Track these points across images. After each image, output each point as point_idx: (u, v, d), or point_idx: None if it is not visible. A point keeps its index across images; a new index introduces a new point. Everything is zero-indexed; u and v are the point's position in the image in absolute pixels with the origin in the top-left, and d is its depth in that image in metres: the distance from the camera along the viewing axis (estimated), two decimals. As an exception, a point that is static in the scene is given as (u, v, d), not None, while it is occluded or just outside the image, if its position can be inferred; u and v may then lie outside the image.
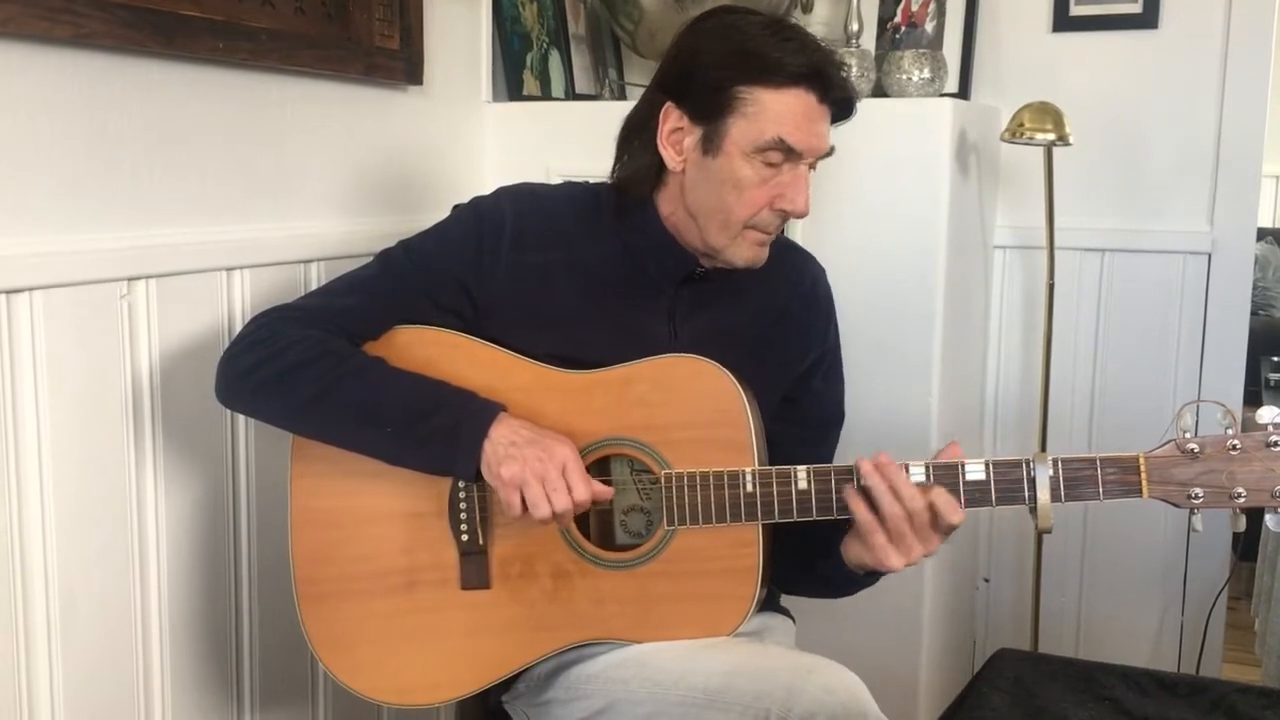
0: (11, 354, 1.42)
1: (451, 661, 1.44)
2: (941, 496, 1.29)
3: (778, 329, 1.53)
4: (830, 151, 1.42)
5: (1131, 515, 2.45)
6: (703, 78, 1.38)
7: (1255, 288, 4.42)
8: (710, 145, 1.39)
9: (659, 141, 1.42)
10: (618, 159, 1.50)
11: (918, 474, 1.32)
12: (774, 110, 1.35)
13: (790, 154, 1.37)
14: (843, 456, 1.57)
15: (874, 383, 2.05)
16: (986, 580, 2.63)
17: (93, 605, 1.55)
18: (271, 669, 1.84)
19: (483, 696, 1.50)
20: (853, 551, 1.37)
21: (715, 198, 1.40)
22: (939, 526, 1.30)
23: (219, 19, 1.64)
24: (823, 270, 1.61)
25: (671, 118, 1.41)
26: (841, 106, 1.41)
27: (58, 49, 1.46)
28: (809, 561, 1.46)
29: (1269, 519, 1.29)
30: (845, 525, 1.37)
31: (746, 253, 1.43)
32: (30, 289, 1.42)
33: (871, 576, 1.42)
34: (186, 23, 1.58)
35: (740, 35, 1.37)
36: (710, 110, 1.38)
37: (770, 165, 1.37)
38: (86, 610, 1.54)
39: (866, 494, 1.31)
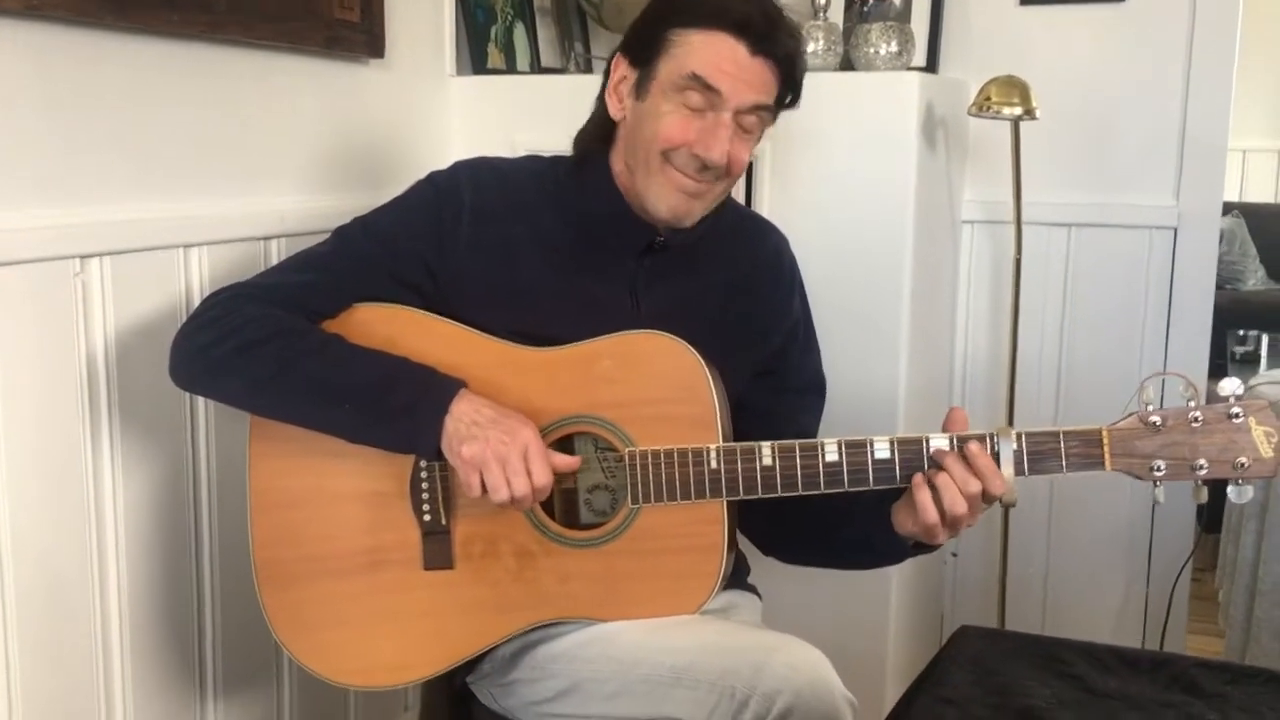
0: (-39, 334, 1.39)
1: (416, 642, 1.43)
2: (989, 466, 1.29)
3: (742, 299, 1.52)
4: (770, 113, 1.41)
5: (1097, 488, 2.47)
6: (647, 24, 1.41)
7: (1221, 262, 4.46)
8: (642, 89, 1.41)
9: (607, 93, 1.45)
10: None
11: (940, 444, 1.31)
12: (699, 50, 1.36)
13: (710, 95, 1.36)
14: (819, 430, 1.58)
15: (842, 356, 2.04)
16: (954, 555, 2.64)
17: (50, 589, 1.52)
18: (235, 652, 1.82)
19: (448, 677, 1.49)
20: (902, 523, 1.37)
21: (639, 136, 1.41)
22: (987, 498, 1.31)
23: (173, -10, 1.60)
24: (785, 240, 1.60)
25: (620, 68, 1.44)
26: (784, 69, 1.39)
27: (8, 20, 1.42)
28: (846, 529, 1.45)
29: (1231, 490, 1.29)
30: (891, 495, 1.38)
31: (669, 197, 1.41)
32: (-21, 267, 1.39)
33: (920, 548, 1.41)
34: (139, -6, 1.55)
35: None
36: (646, 54, 1.40)
37: (691, 108, 1.37)
38: (44, 594, 1.51)
39: (931, 485, 1.31)
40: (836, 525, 1.44)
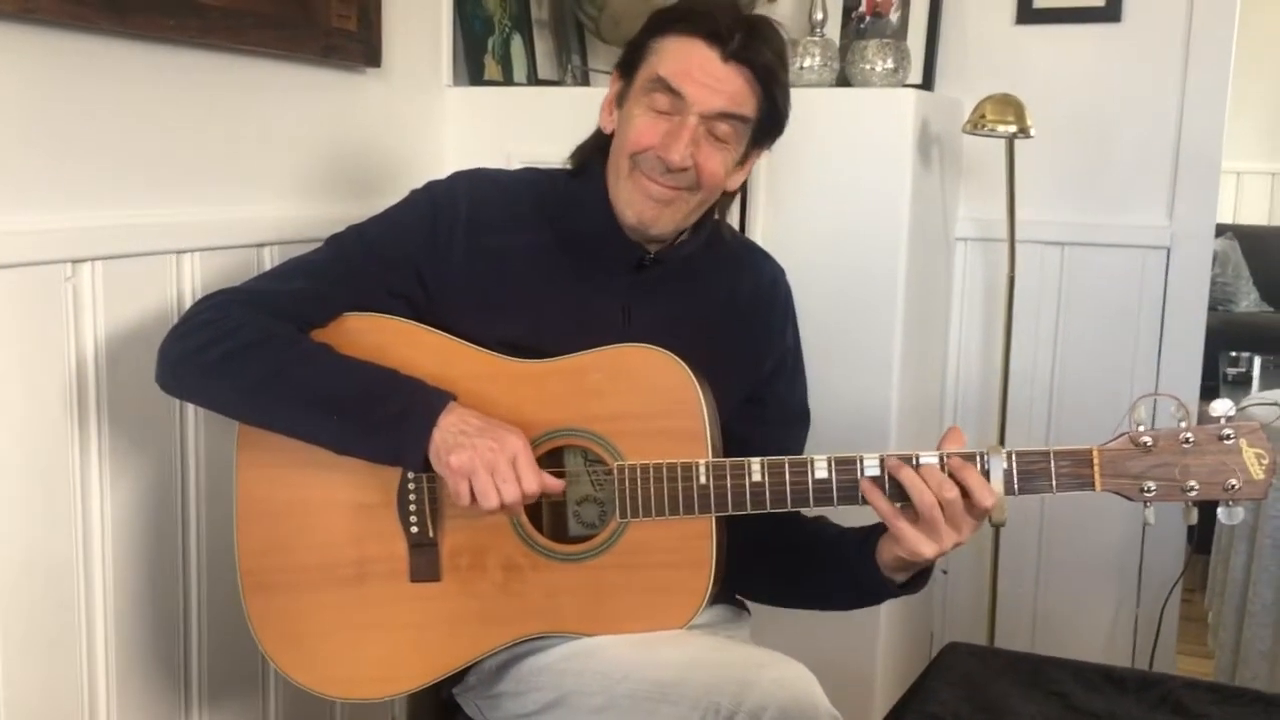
0: (-51, 337, 1.39)
1: (402, 654, 1.42)
2: (974, 478, 1.27)
3: (736, 324, 1.52)
4: (739, 122, 1.39)
5: (1088, 508, 2.47)
6: (635, 37, 1.43)
7: (1214, 283, 4.45)
8: (622, 98, 1.43)
9: (601, 108, 1.46)
10: None
11: (930, 461, 1.30)
12: (668, 54, 1.38)
13: (673, 97, 1.37)
14: (807, 450, 1.57)
15: (834, 374, 2.04)
16: (944, 572, 2.63)
17: (35, 596, 1.51)
18: (221, 662, 1.81)
19: (434, 689, 1.48)
20: (887, 551, 1.36)
21: (616, 144, 1.42)
22: (974, 512, 1.28)
23: (169, -3, 1.60)
24: (782, 271, 1.60)
25: (613, 83, 1.46)
26: (760, 75, 1.37)
27: (4, 24, 1.41)
28: (826, 572, 1.45)
29: (1221, 512, 1.29)
30: (866, 531, 1.38)
31: (635, 201, 1.40)
32: (-31, 270, 1.39)
33: (906, 587, 1.39)
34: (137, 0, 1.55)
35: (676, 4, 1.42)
36: (631, 65, 1.42)
37: (658, 111, 1.38)
38: (28, 601, 1.50)
39: (883, 485, 1.29)
40: (821, 566, 1.44)
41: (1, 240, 1.42)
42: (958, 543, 1.30)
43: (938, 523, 1.28)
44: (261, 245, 1.82)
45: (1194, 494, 1.27)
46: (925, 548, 1.29)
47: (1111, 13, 2.38)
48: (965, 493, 1.28)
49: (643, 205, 1.40)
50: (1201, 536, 3.00)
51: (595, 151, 1.48)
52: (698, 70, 1.36)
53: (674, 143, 1.36)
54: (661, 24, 1.40)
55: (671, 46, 1.38)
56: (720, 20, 1.36)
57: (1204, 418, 1.30)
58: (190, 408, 1.70)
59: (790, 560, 1.49)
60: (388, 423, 1.33)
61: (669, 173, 1.38)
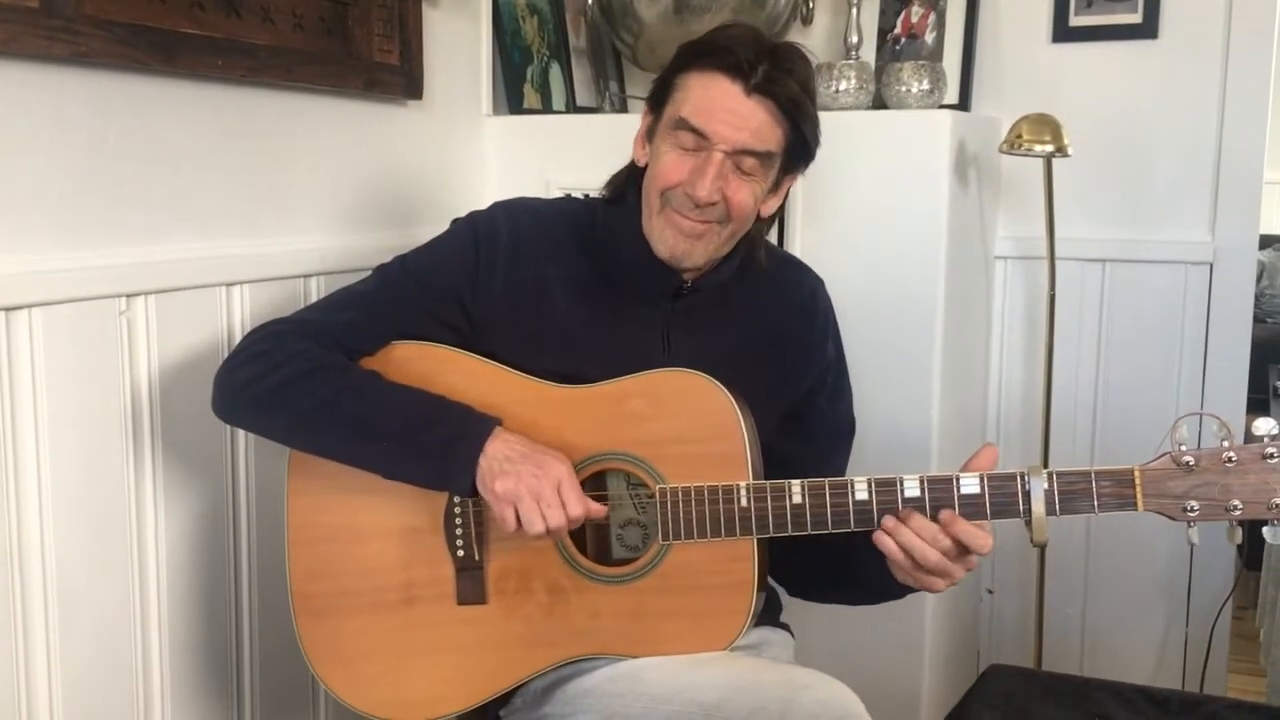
0: (11, 371, 1.43)
1: (449, 676, 1.44)
2: (965, 531, 1.30)
3: (776, 345, 1.53)
4: (764, 158, 1.39)
5: (1134, 525, 2.44)
6: (660, 76, 1.45)
7: (1263, 295, 4.41)
8: (652, 134, 1.44)
9: (634, 141, 1.48)
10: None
11: (970, 485, 1.31)
12: (693, 93, 1.39)
13: (698, 136, 1.38)
14: (849, 468, 1.58)
15: (876, 394, 2.05)
16: (990, 591, 2.62)
17: (93, 620, 1.55)
18: (272, 683, 1.84)
19: (481, 711, 1.50)
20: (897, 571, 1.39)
21: (647, 180, 1.44)
22: (971, 554, 1.31)
23: (218, 36, 1.65)
24: (821, 282, 1.61)
25: (644, 115, 1.47)
26: (785, 108, 1.38)
27: (57, 67, 1.47)
28: (849, 570, 1.46)
29: (1267, 531, 1.28)
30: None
31: (668, 237, 1.42)
32: (29, 306, 1.43)
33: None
34: (185, 40, 1.59)
35: (703, 36, 1.42)
36: (659, 99, 1.44)
37: (684, 148, 1.39)
38: (87, 625, 1.54)
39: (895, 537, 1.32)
40: (853, 569, 1.45)
41: (59, 277, 1.47)
42: (966, 571, 1.34)
43: (947, 568, 1.31)
44: (308, 276, 1.86)
45: (1238, 513, 1.26)
46: (937, 585, 1.34)
47: (1148, 29, 2.37)
48: (958, 543, 1.30)
49: (675, 240, 1.42)
50: (1251, 552, 2.96)
51: (629, 182, 1.50)
52: (720, 108, 1.36)
53: (700, 179, 1.37)
54: (686, 59, 1.41)
55: (695, 84, 1.38)
56: (742, 53, 1.36)
57: (1249, 436, 1.29)
58: (241, 435, 1.74)
59: (819, 559, 1.48)
60: (435, 449, 1.35)
61: (698, 208, 1.39)
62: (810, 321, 1.58)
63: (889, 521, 1.32)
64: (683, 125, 1.38)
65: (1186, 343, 2.41)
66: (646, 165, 1.45)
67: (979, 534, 1.30)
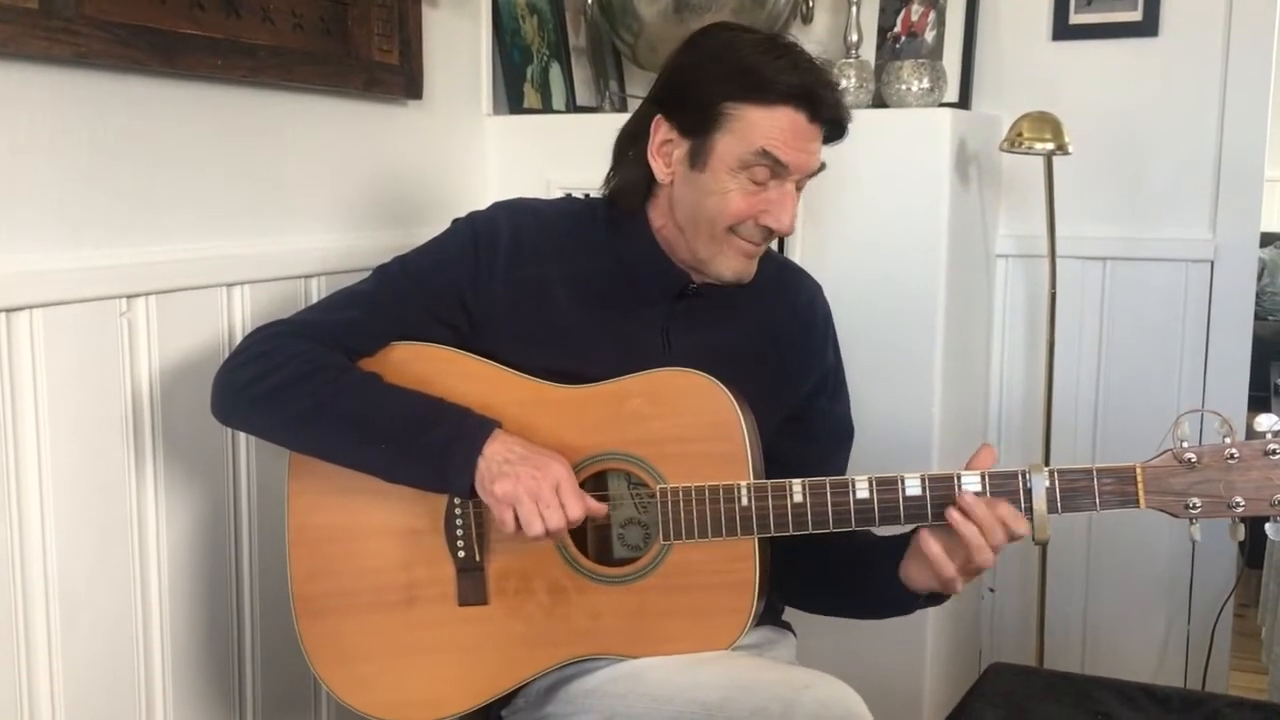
0: (11, 372, 1.43)
1: (451, 677, 1.44)
2: (1007, 511, 1.30)
3: (775, 347, 1.53)
4: (820, 169, 1.43)
5: (1135, 523, 2.44)
6: (694, 93, 1.39)
7: (1265, 293, 4.41)
8: (697, 160, 1.40)
9: (649, 153, 1.44)
10: (611, 170, 1.51)
11: (972, 483, 1.31)
12: (762, 127, 1.36)
13: (777, 168, 1.37)
14: (849, 468, 1.58)
15: (876, 392, 2.05)
16: (991, 590, 2.62)
17: (94, 621, 1.55)
18: (274, 683, 1.84)
19: (483, 711, 1.50)
20: (914, 575, 1.38)
21: (700, 210, 1.41)
22: (1011, 539, 1.31)
23: (218, 36, 1.65)
24: (819, 288, 1.61)
25: (662, 130, 1.43)
26: (833, 127, 1.41)
27: (57, 68, 1.46)
28: (854, 582, 1.47)
29: (1269, 528, 1.28)
30: (894, 547, 1.39)
31: (733, 263, 1.43)
32: (30, 307, 1.43)
33: (932, 599, 1.42)
34: (185, 41, 1.59)
35: (734, 53, 1.38)
36: (699, 125, 1.39)
37: (756, 182, 1.38)
38: (88, 626, 1.54)
39: (925, 512, 1.32)
40: (851, 581, 1.46)
41: (60, 278, 1.47)
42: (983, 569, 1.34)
43: (981, 568, 1.32)
44: (309, 276, 1.86)
45: (1240, 510, 1.27)
46: (960, 585, 1.35)
47: (1149, 27, 2.37)
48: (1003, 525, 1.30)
49: (741, 265, 1.43)
50: (1253, 550, 2.96)
51: (638, 192, 1.47)
52: (795, 139, 1.37)
53: (783, 213, 1.39)
54: (731, 86, 1.37)
55: (761, 117, 1.36)
56: (801, 81, 1.36)
57: (1250, 433, 1.29)
58: (242, 436, 1.74)
59: (821, 566, 1.49)
60: (434, 451, 1.35)
61: (770, 233, 1.41)
62: (810, 325, 1.58)
63: (967, 498, 1.30)
64: (764, 159, 1.36)
65: (1187, 340, 2.41)
66: (670, 182, 1.44)
67: (1018, 514, 1.30)
